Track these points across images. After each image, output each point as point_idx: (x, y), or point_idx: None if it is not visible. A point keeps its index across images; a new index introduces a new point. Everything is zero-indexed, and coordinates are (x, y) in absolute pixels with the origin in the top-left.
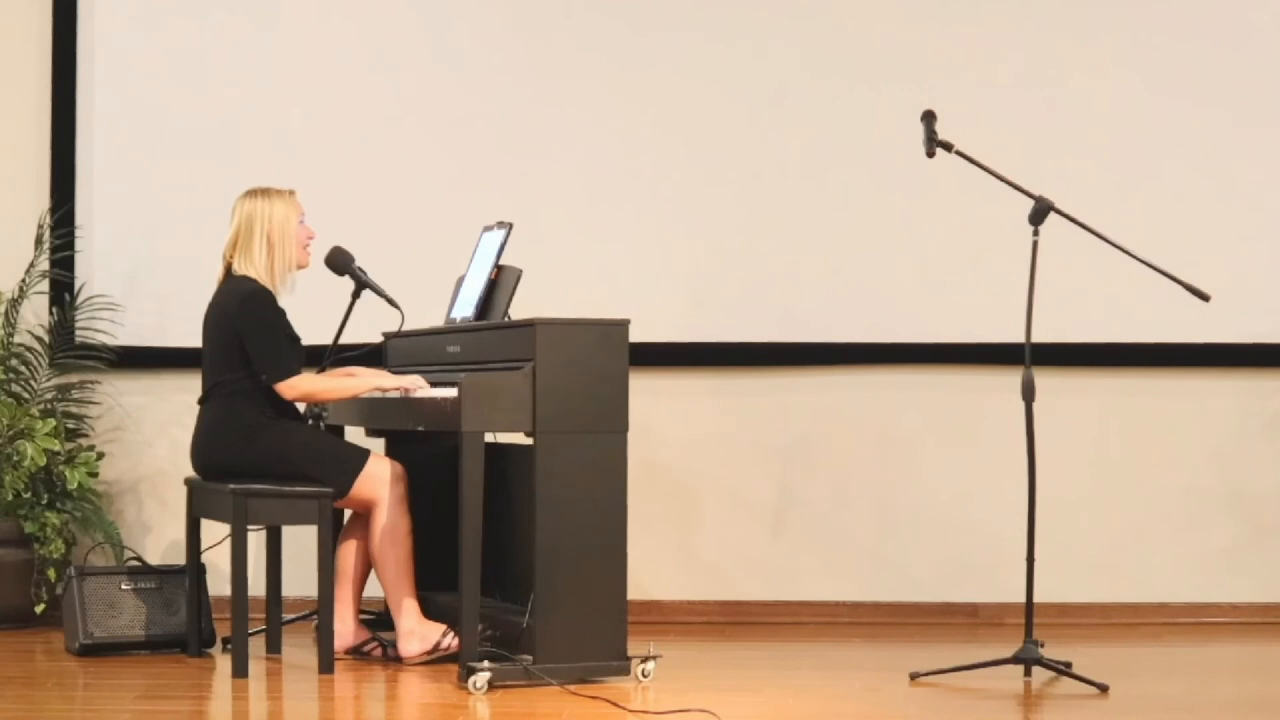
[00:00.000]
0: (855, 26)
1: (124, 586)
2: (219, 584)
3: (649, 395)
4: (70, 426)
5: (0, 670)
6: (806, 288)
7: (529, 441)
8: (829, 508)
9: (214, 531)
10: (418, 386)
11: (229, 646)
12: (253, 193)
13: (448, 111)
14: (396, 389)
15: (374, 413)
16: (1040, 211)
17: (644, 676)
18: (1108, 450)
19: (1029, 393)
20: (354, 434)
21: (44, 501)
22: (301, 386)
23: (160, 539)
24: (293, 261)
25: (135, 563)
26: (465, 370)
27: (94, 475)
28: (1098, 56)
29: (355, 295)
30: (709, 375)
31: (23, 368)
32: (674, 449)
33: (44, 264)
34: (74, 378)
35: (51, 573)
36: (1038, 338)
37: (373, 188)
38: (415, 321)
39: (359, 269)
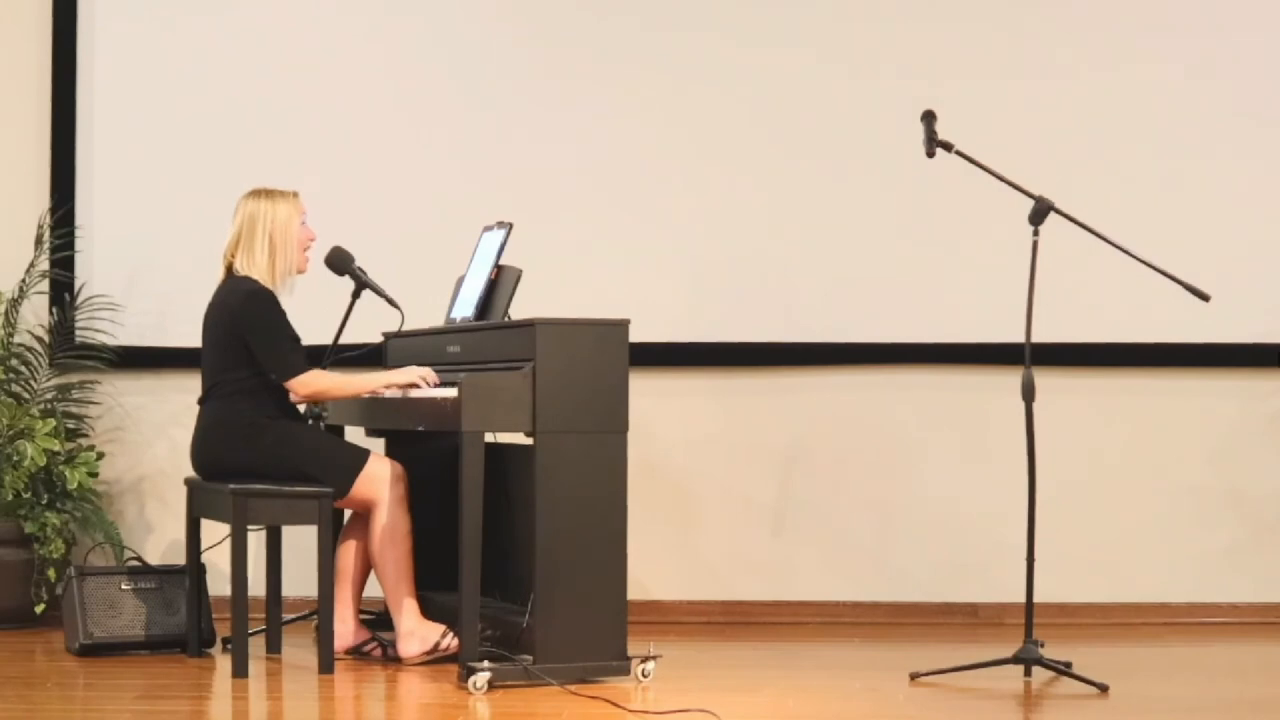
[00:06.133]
0: (855, 26)
1: (124, 586)
2: (219, 584)
3: (649, 395)
4: (70, 426)
5: (0, 670)
6: (806, 288)
7: (529, 441)
8: (829, 508)
9: (214, 531)
10: (424, 379)
11: (229, 646)
12: (256, 193)
13: (448, 111)
14: (407, 384)
15: (374, 413)
16: (1040, 211)
17: (644, 676)
18: (1108, 450)
19: (1029, 393)
20: (354, 434)
21: (44, 501)
22: (314, 384)
23: (160, 539)
24: (294, 264)
25: (135, 563)
26: (465, 370)
27: (94, 475)
28: (1097, 56)
29: (355, 295)
30: (708, 375)
31: (23, 368)
32: (674, 449)
33: (44, 264)
34: (74, 378)
35: (51, 573)
36: (1038, 338)
37: (373, 188)
38: (415, 321)
39: (359, 269)
